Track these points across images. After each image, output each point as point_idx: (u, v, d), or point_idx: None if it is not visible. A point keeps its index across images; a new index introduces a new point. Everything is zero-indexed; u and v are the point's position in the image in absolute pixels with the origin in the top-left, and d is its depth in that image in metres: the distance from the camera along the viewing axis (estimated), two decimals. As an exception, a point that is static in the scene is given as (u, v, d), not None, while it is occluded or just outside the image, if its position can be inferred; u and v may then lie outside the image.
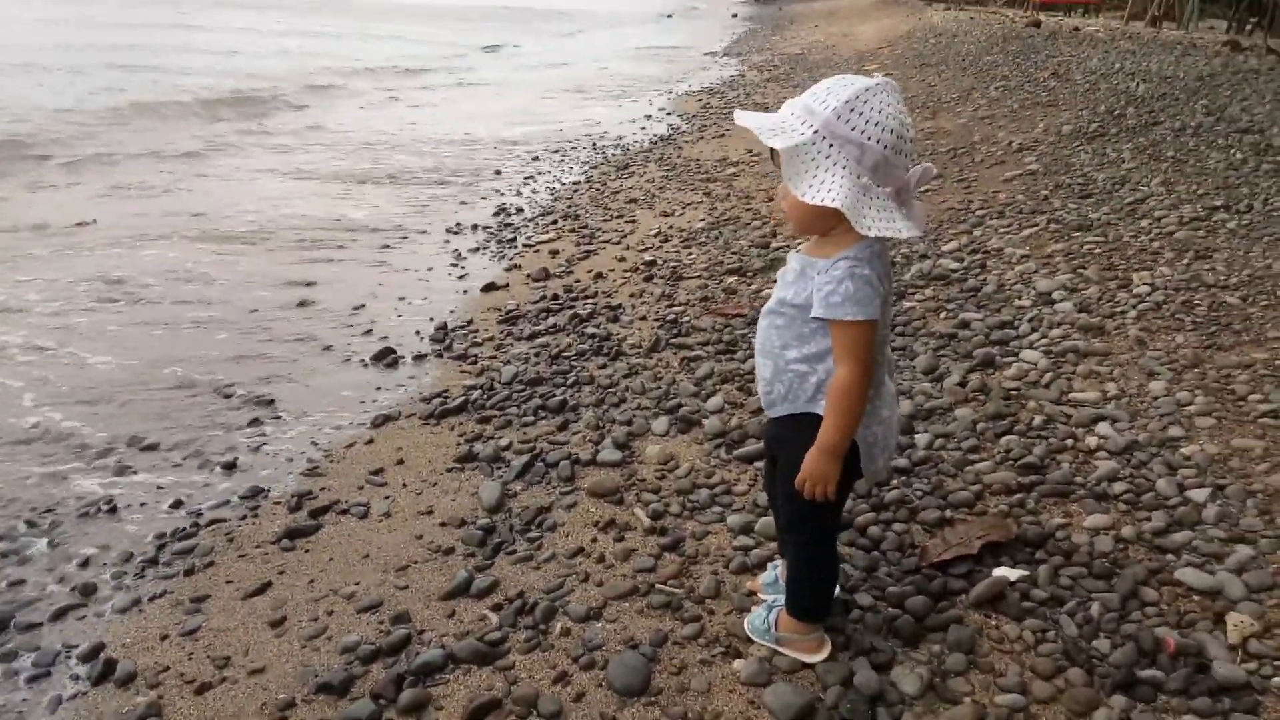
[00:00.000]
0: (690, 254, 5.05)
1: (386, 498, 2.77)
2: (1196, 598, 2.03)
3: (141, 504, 2.79)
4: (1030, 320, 3.59)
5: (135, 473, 2.95)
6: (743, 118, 1.71)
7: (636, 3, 47.53)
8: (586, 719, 1.87)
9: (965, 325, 3.64)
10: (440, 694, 1.96)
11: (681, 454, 2.91)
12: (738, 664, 1.99)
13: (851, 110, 1.59)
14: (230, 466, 2.99)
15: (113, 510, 2.74)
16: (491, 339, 4.04)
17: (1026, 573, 2.16)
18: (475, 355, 3.85)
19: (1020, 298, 3.84)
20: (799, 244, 1.87)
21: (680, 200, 6.37)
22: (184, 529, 2.64)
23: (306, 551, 2.52)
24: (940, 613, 2.07)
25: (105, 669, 2.05)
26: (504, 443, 3.05)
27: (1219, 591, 2.02)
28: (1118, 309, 3.58)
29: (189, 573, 2.43)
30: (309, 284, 4.78)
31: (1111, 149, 5.90)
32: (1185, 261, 3.91)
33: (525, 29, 27.00)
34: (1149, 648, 1.88)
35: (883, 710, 1.82)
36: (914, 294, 4.08)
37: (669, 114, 11.00)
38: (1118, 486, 2.45)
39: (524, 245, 5.51)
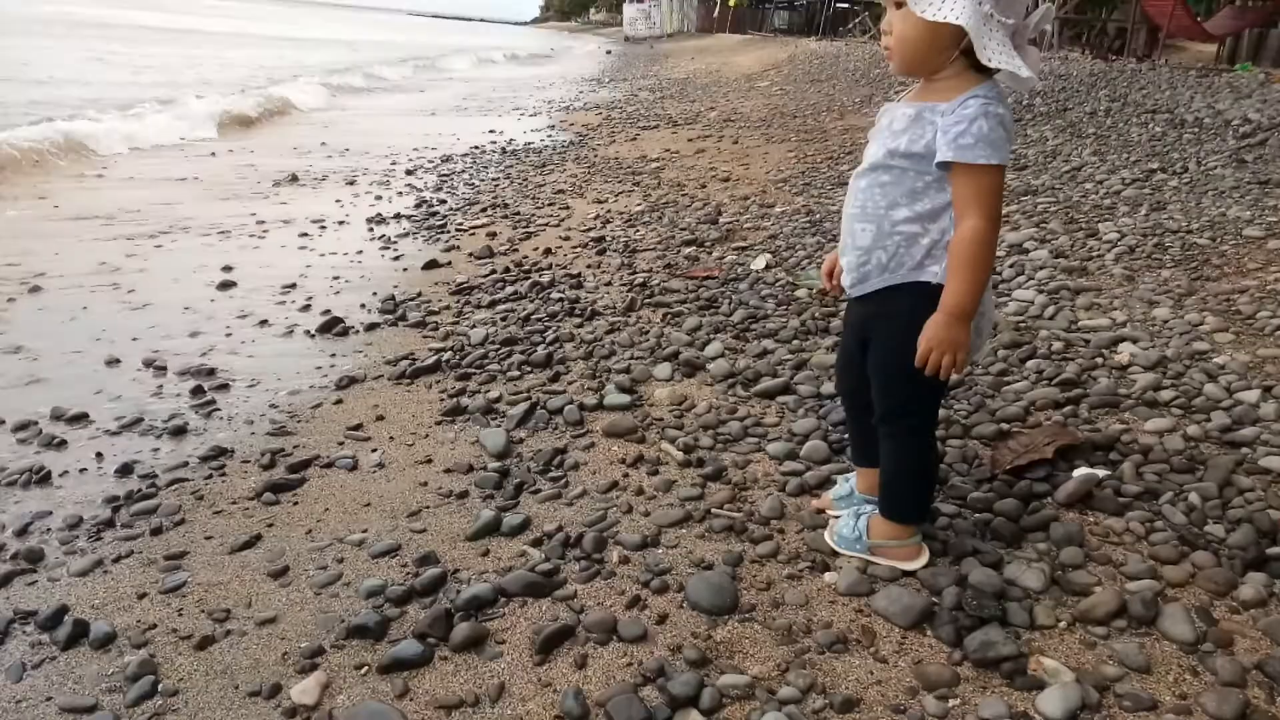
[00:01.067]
0: (638, 231, 4.86)
1: (375, 450, 2.44)
2: (1289, 482, 1.95)
3: (81, 469, 2.35)
4: (1012, 266, 3.55)
5: (65, 445, 2.50)
6: None
7: (511, 41, 47.64)
8: (677, 640, 1.61)
9: (945, 275, 3.58)
10: (498, 628, 1.67)
11: (694, 395, 2.69)
12: (829, 576, 1.79)
13: None
14: (180, 431, 2.58)
15: (45, 479, 2.29)
16: (448, 308, 3.72)
17: (1109, 472, 2.04)
18: (435, 323, 3.53)
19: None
20: (899, 95, 1.71)
21: (611, 190, 6.19)
22: (140, 490, 2.23)
23: (295, 504, 2.17)
24: (1033, 514, 1.92)
25: (76, 631, 1.66)
26: (493, 395, 2.76)
27: (1310, 474, 1.95)
28: (1094, 253, 3.59)
29: (156, 532, 2.04)
30: (227, 268, 4.33)
31: (1033, 131, 6.08)
32: (1144, 212, 3.98)
33: (399, 66, 26.45)
34: (1266, 529, 1.78)
35: (1012, 605, 1.64)
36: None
37: (571, 125, 10.84)
38: (1165, 394, 2.38)
39: (457, 230, 5.20)
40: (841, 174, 5.84)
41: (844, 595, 1.73)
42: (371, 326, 3.52)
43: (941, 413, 2.37)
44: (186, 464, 2.38)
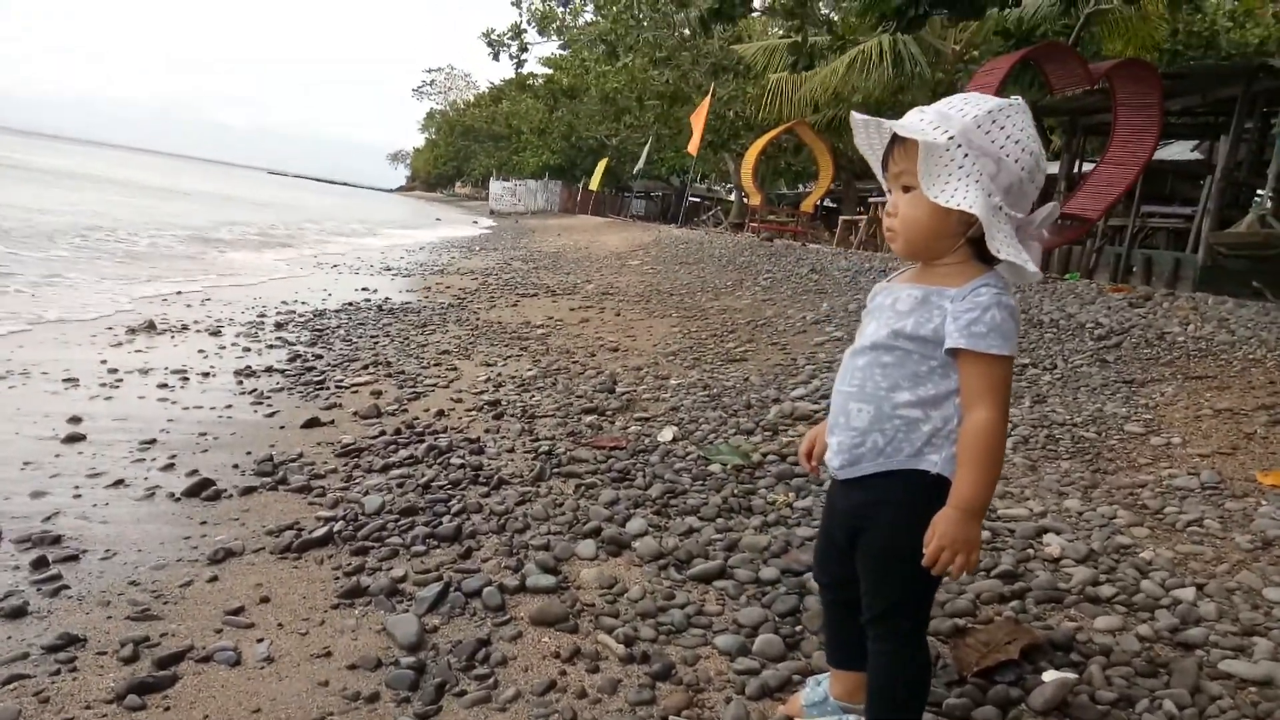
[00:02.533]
0: (534, 397, 4.71)
1: (261, 640, 2.09)
2: (1254, 688, 1.91)
3: (-117, 662, 1.89)
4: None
5: None
6: (863, 116, 1.54)
7: (373, 210, 48.07)
8: None
9: (855, 458, 3.58)
10: None
11: (624, 577, 2.48)
12: (817, 800, 1.58)
13: (993, 122, 1.47)
14: (19, 613, 2.14)
15: None
16: (335, 471, 3.40)
17: (1076, 675, 1.96)
18: (321, 487, 3.20)
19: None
20: (891, 276, 1.68)
21: (499, 354, 6.05)
22: (-38, 690, 1.80)
23: (166, 710, 1.79)
24: (1012, 721, 1.80)
25: None
26: (397, 574, 2.46)
27: (1271, 680, 1.92)
28: (992, 442, 3.68)
29: (-18, 748, 1.62)
30: (75, 419, 3.85)
31: (904, 323, 6.41)
32: (1027, 404, 4.17)
33: (268, 221, 26.02)
34: (1250, 738, 1.71)
35: (1024, 833, 1.48)
36: (786, 430, 4.00)
37: (448, 288, 10.75)
38: (1105, 590, 2.35)
39: (337, 387, 4.89)
40: (729, 351, 5.93)
41: (838, 822, 1.52)
42: (248, 490, 3.15)
43: (891, 605, 2.27)
44: (27, 655, 1.95)
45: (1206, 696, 1.88)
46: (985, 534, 2.74)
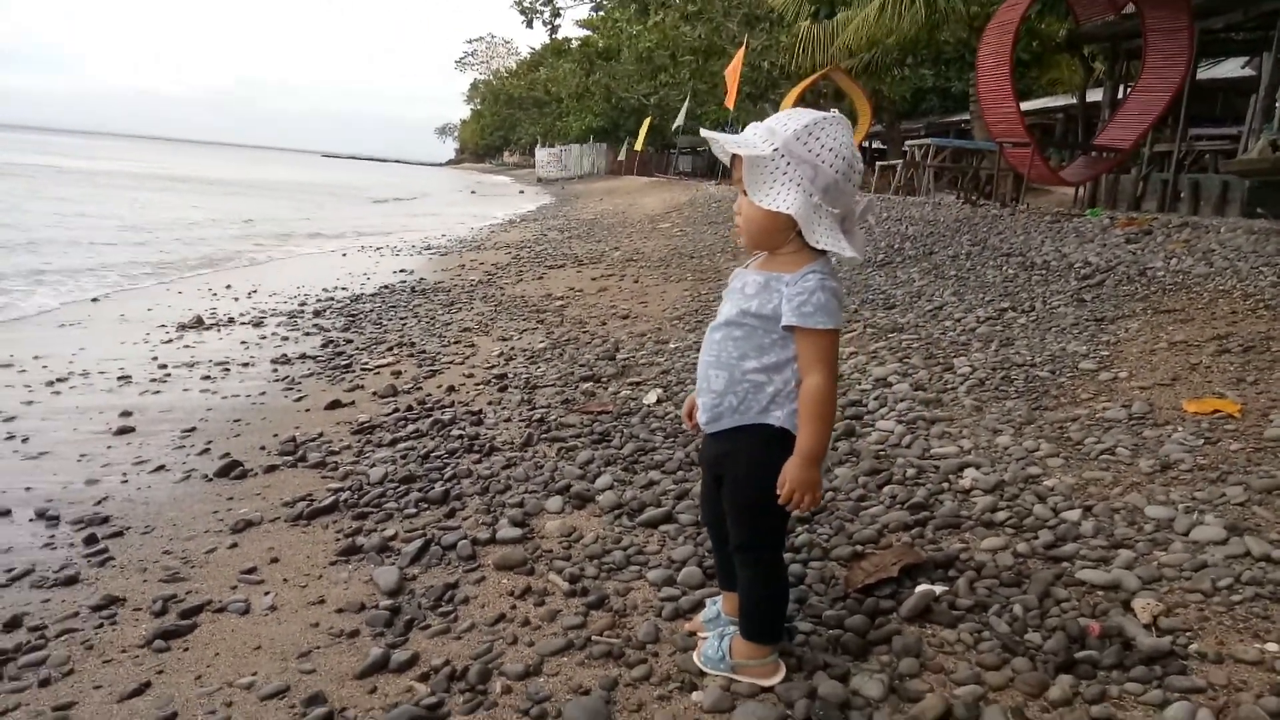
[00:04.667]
0: (539, 369, 5.08)
1: (268, 593, 2.51)
2: (1101, 591, 2.20)
3: (-38, 625, 2.36)
4: (876, 398, 3.87)
5: (-58, 599, 2.51)
6: (711, 134, 1.84)
7: (436, 182, 48.77)
8: (552, 765, 1.73)
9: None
10: (381, 763, 1.76)
11: (583, 526, 2.85)
12: (696, 695, 1.93)
13: (809, 134, 1.75)
14: (72, 580, 2.60)
15: (-77, 634, 2.30)
16: (349, 448, 3.83)
17: (946, 588, 2.27)
18: (335, 463, 3.63)
19: (860, 383, 4.15)
20: (748, 263, 1.98)
21: (516, 328, 6.44)
22: (28, 643, 2.25)
23: (186, 650, 2.22)
24: (879, 628, 2.12)
25: (-44, 785, 1.68)
26: (389, 533, 2.87)
27: (1118, 585, 2.20)
28: (949, 386, 3.94)
29: (44, 684, 2.06)
30: (126, 413, 4.36)
31: (901, 272, 6.62)
32: (994, 348, 4.40)
33: (319, 203, 26.76)
34: (1076, 634, 2.01)
35: (855, 714, 1.82)
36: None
37: (481, 264, 11.18)
38: (1000, 515, 2.65)
39: (362, 369, 5.33)
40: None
41: (708, 712, 1.87)
42: (270, 469, 3.60)
43: (804, 536, 2.60)
44: (77, 614, 2.40)
45: (1053, 600, 2.17)
46: (912, 471, 3.04)
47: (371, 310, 7.58)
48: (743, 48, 22.39)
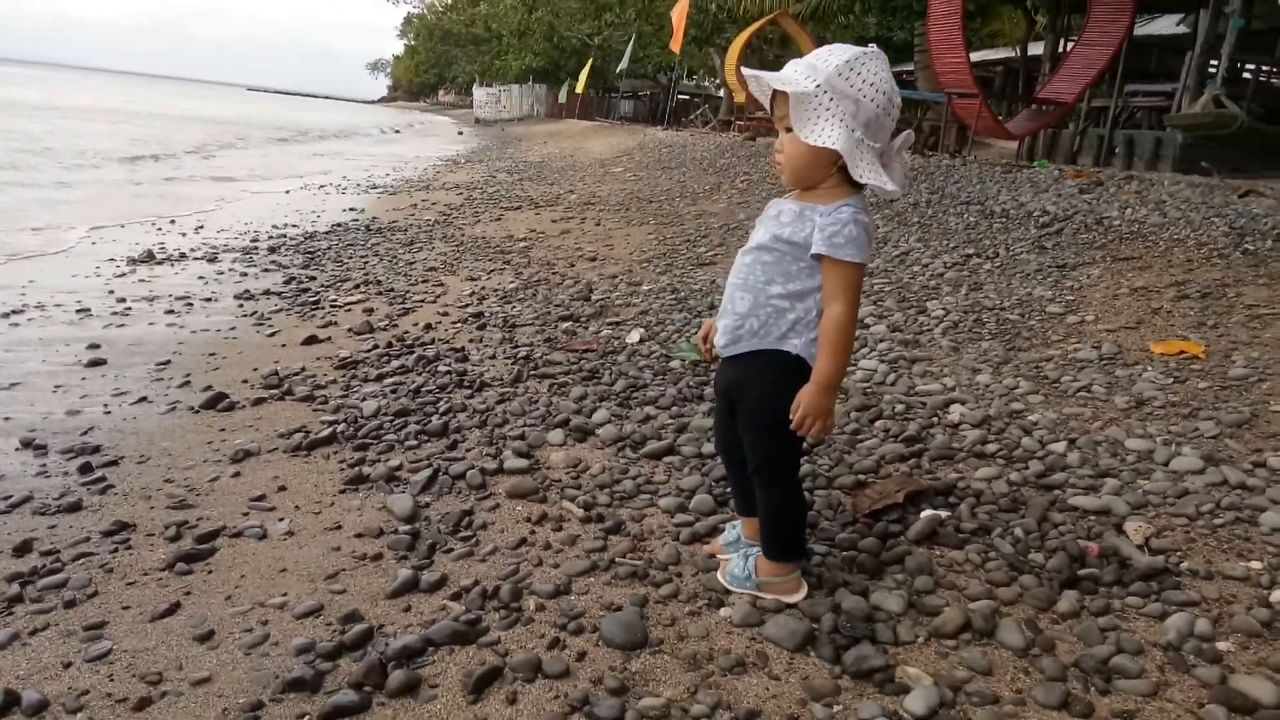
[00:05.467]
0: (514, 308, 5.09)
1: (282, 519, 2.52)
2: (1093, 516, 2.35)
3: (-29, 549, 2.33)
4: (857, 339, 3.99)
5: (-56, 527, 2.46)
6: (752, 71, 1.87)
7: (357, 118, 47.28)
8: (596, 674, 1.81)
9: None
10: (430, 674, 1.81)
11: (587, 458, 2.91)
12: (724, 611, 2.03)
13: (850, 69, 1.79)
14: (75, 507, 2.57)
15: (-68, 559, 2.26)
16: (334, 382, 3.81)
17: (949, 513, 2.39)
18: (323, 396, 3.61)
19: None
20: (788, 194, 2.03)
21: (483, 268, 6.40)
22: (44, 565, 2.23)
23: (210, 573, 2.23)
24: (890, 550, 2.24)
25: (8, 700, 1.69)
26: (394, 463, 2.89)
27: (1109, 510, 2.35)
28: (925, 328, 4.08)
29: (70, 604, 2.06)
30: (94, 345, 4.25)
31: (866, 219, 6.74)
32: (964, 292, 4.55)
33: (245, 138, 25.81)
34: (1076, 554, 2.15)
35: (879, 626, 1.93)
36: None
37: (434, 205, 10.99)
38: (991, 447, 2.79)
39: (331, 306, 5.26)
40: (700, 256, 6.28)
41: (738, 626, 1.97)
42: (259, 401, 3.57)
43: (807, 467, 2.70)
44: (88, 539, 2.39)
45: (1050, 524, 2.31)
46: (900, 407, 3.16)
47: (329, 248, 7.42)
48: (690, -11, 22.12)
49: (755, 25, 21.73)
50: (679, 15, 21.85)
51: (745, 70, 1.92)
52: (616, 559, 2.25)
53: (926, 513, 2.37)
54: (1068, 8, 15.37)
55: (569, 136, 27.57)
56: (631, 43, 31.12)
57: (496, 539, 2.39)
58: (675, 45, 22.74)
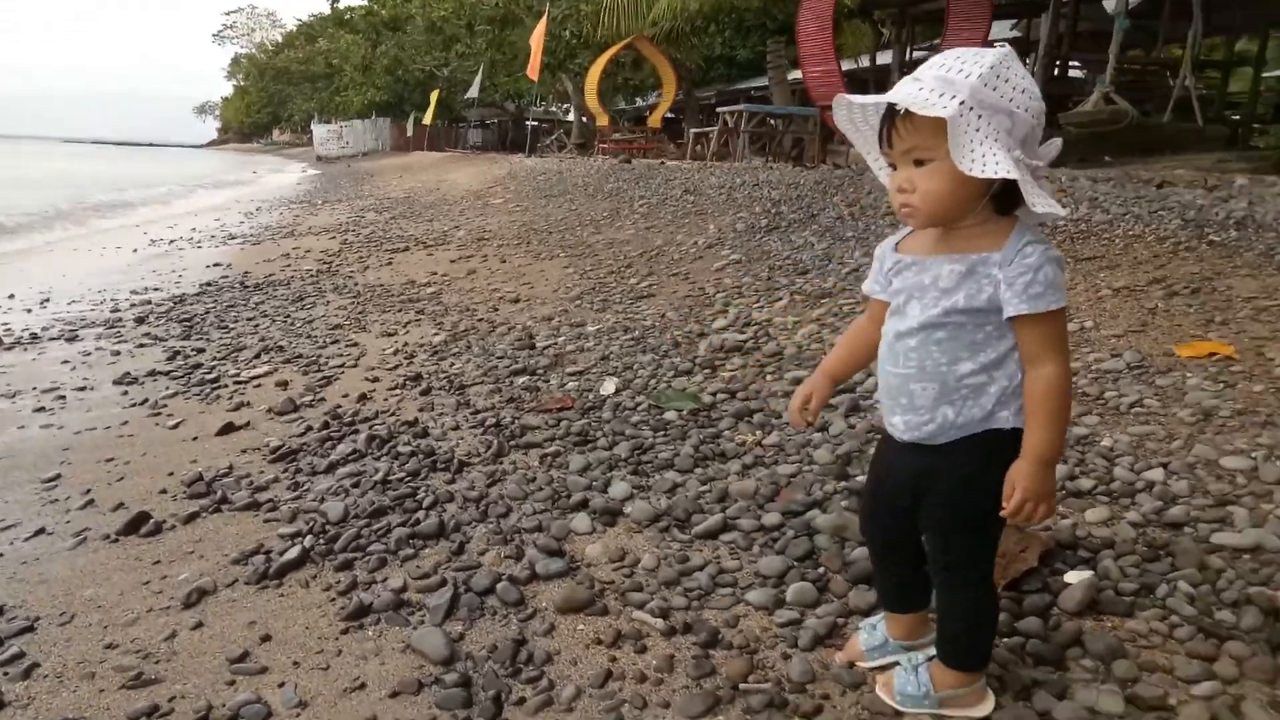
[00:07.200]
0: (453, 364, 4.54)
1: (282, 684, 1.96)
2: (1247, 555, 2.08)
3: None
4: (862, 371, 3.68)
5: None
6: (856, 98, 1.50)
7: (178, 170, 44.72)
8: None
9: (799, 381, 3.64)
10: None
11: (629, 546, 2.45)
12: (905, 741, 1.63)
13: (998, 77, 1.42)
14: (-9, 704, 1.92)
15: None
16: (276, 481, 3.19)
17: (1092, 571, 2.07)
18: (270, 501, 3.00)
19: (825, 352, 3.95)
20: (895, 239, 1.65)
21: (395, 321, 5.80)
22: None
23: (213, 785, 1.66)
24: (1054, 627, 1.89)
25: None
26: (395, 584, 2.35)
27: (1259, 546, 2.09)
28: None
29: None
30: (-50, 461, 3.45)
31: (795, 236, 6.52)
32: (943, 306, 4.32)
33: (86, 201, 23.74)
34: (1266, 607, 1.86)
35: (1109, 739, 1.57)
36: (723, 365, 4.02)
37: (307, 252, 10.17)
38: (1084, 483, 2.50)
39: (234, 382, 4.57)
40: (633, 288, 5.88)
41: (933, 761, 1.57)
42: (190, 518, 2.91)
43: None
44: (23, 756, 1.76)
45: (1213, 571, 2.03)
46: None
47: (207, 313, 6.61)
48: (545, 16, 21.85)
49: (613, 50, 21.69)
50: (537, 41, 21.50)
51: (849, 97, 1.53)
52: (742, 685, 1.81)
53: (1074, 576, 2.05)
54: (912, 19, 15.96)
55: (424, 169, 26.72)
56: (481, 71, 30.54)
57: (573, 675, 1.91)
58: (533, 72, 22.38)
